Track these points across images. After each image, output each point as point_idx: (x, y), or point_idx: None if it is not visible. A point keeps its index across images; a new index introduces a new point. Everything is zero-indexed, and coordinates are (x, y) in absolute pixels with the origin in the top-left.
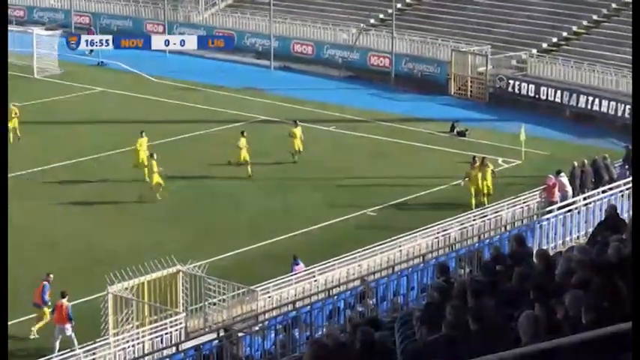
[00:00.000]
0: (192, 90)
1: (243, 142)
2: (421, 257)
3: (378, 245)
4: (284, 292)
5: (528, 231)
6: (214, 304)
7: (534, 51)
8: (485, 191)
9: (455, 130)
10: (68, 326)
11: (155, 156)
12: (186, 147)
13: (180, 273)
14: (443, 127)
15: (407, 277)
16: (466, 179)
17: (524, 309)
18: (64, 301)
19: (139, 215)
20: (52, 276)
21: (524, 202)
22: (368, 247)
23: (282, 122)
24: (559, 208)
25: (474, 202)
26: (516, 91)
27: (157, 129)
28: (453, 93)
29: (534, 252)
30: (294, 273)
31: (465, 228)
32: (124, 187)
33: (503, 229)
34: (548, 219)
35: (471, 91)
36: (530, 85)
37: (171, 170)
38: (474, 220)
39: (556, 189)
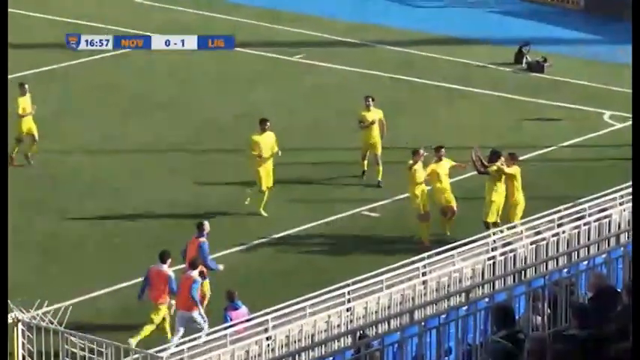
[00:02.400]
0: None
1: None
2: (463, 294)
3: (383, 272)
4: (211, 359)
5: None
6: None
7: None
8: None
9: (524, 61)
10: None
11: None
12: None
13: (20, 324)
14: (503, 54)
15: (437, 329)
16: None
17: None
18: None
19: None
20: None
21: None
22: (365, 275)
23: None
24: None
25: (490, 218)
26: None
27: None
28: None
29: None
30: (229, 324)
31: (542, 241)
32: None
33: (612, 241)
34: None
35: None
36: None
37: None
38: (557, 226)
39: None
